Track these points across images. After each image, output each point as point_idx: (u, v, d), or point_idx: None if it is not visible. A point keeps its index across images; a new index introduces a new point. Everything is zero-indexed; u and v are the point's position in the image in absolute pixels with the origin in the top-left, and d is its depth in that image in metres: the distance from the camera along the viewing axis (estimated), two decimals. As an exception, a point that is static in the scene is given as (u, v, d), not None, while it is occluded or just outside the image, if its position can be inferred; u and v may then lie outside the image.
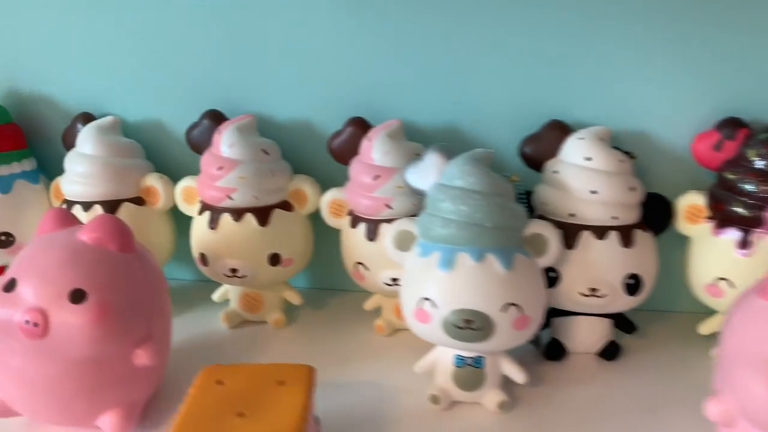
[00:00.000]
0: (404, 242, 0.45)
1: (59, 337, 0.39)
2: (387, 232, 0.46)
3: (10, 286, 0.40)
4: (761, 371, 0.32)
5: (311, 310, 0.57)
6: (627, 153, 0.46)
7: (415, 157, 0.47)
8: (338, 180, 0.52)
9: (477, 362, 0.43)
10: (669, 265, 0.49)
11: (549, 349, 0.49)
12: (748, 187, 0.43)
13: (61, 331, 0.39)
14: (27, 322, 0.39)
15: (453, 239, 0.41)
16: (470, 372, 0.43)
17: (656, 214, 0.47)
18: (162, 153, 0.56)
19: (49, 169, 0.58)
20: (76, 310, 0.39)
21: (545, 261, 0.44)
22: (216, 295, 0.55)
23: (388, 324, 0.53)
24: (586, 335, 0.49)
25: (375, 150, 0.48)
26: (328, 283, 0.60)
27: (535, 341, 0.49)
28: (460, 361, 0.43)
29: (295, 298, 0.55)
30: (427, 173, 0.45)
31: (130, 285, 0.42)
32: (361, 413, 0.44)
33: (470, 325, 0.40)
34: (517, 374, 0.44)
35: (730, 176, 0.44)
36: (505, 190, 0.43)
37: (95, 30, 0.54)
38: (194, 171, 0.54)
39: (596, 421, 0.42)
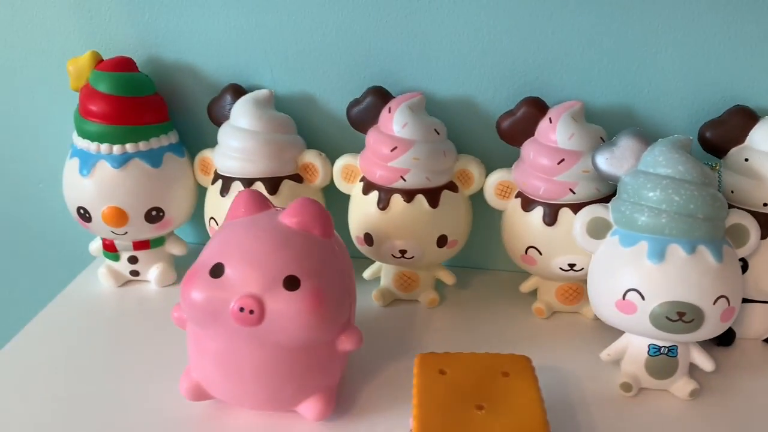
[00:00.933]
0: (597, 229, 0.44)
1: (273, 325, 0.38)
2: (576, 217, 0.45)
3: (218, 271, 0.39)
4: None
5: (459, 289, 0.57)
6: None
7: (602, 141, 0.46)
8: (502, 161, 0.51)
9: (671, 351, 0.43)
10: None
11: (721, 335, 0.49)
12: None
13: (276, 319, 0.38)
14: (242, 309, 0.38)
15: (663, 230, 0.41)
16: (664, 360, 0.43)
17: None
18: (311, 128, 0.55)
19: (189, 142, 0.56)
20: (291, 297, 0.38)
21: (744, 251, 0.44)
22: (367, 273, 0.55)
23: (548, 306, 0.53)
24: (758, 322, 0.49)
25: (559, 132, 0.47)
26: (473, 262, 0.59)
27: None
28: (656, 351, 0.43)
29: (448, 278, 0.54)
30: (623, 159, 0.44)
31: (334, 270, 0.41)
32: (548, 392, 0.43)
33: (682, 318, 0.40)
34: (706, 363, 0.44)
35: None
36: (712, 179, 0.42)
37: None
38: (346, 149, 0.53)
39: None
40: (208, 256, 0.40)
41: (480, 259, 0.59)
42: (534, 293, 0.54)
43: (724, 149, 0.48)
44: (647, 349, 0.43)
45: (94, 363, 0.48)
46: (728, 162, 0.47)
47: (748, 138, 0.47)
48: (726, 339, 0.49)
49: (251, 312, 0.38)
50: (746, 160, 0.46)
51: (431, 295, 0.54)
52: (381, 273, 0.54)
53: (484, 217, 0.54)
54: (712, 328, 0.41)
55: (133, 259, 0.56)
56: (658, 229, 0.41)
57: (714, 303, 0.40)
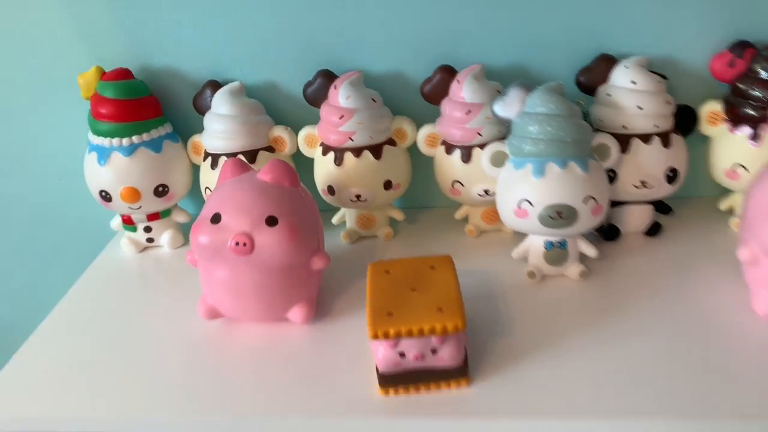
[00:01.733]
0: (498, 160, 0.58)
1: (262, 253, 0.52)
2: (482, 153, 0.59)
3: (216, 218, 0.53)
4: (778, 220, 0.47)
5: (409, 225, 0.71)
6: (662, 76, 0.60)
7: (498, 93, 0.60)
8: (428, 118, 0.65)
9: (562, 244, 0.58)
10: (694, 161, 0.63)
11: (607, 232, 0.64)
12: (756, 93, 0.57)
13: (263, 248, 0.52)
14: (237, 244, 0.52)
15: (542, 153, 0.55)
16: (557, 252, 0.58)
17: (685, 120, 0.61)
18: (277, 109, 0.68)
19: (181, 130, 0.70)
20: (272, 232, 0.52)
21: (608, 164, 0.58)
22: (335, 219, 0.69)
23: (477, 227, 0.67)
24: (635, 219, 0.63)
25: (465, 90, 0.61)
26: (419, 203, 0.73)
27: (599, 228, 0.64)
28: (550, 245, 0.58)
29: (399, 215, 0.68)
30: (512, 105, 0.58)
31: (303, 210, 0.55)
32: (475, 292, 0.58)
33: (561, 215, 0.55)
34: (590, 250, 0.59)
35: (741, 86, 0.58)
36: (577, 112, 0.56)
37: (212, 6, 0.65)
38: (305, 121, 0.67)
39: (647, 282, 0.57)
40: (207, 210, 0.54)
41: (423, 200, 0.73)
42: (465, 219, 0.68)
43: (594, 89, 0.62)
44: (543, 245, 0.58)
45: (129, 309, 0.62)
46: (598, 98, 0.61)
47: (610, 78, 0.61)
48: (612, 235, 0.64)
49: (245, 245, 0.52)
50: (608, 95, 0.60)
51: (387, 230, 0.68)
52: (345, 217, 0.69)
53: (423, 165, 0.68)
54: (586, 221, 0.55)
55: (147, 229, 0.70)
56: (538, 153, 0.55)
57: (584, 202, 0.55)
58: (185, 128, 0.70)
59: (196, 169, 0.70)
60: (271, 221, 0.52)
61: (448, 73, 0.63)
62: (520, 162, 0.56)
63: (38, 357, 0.56)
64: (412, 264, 0.53)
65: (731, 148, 0.60)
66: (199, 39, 0.66)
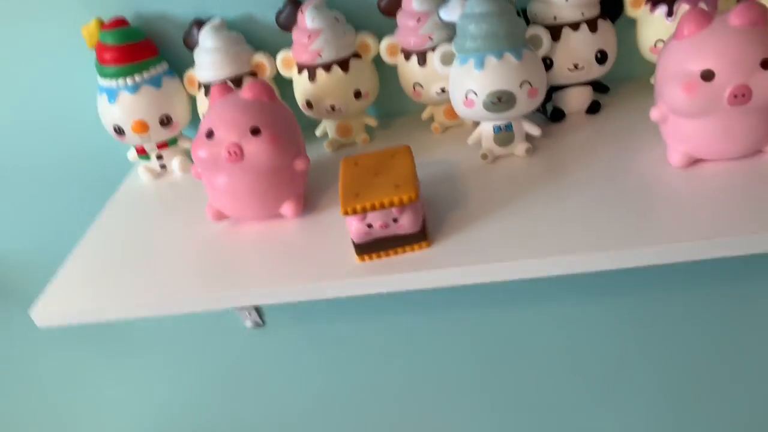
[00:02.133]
0: (447, 59, 0.67)
1: (251, 159, 0.63)
2: (434, 55, 0.68)
3: (210, 134, 0.63)
4: (675, 81, 0.56)
5: (383, 130, 0.81)
6: (586, -33, 0.67)
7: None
8: (387, 30, 0.73)
9: (508, 127, 0.67)
10: (627, 43, 0.71)
11: (553, 114, 0.72)
12: (668, -27, 0.64)
13: (252, 155, 0.62)
14: (229, 153, 0.62)
15: (480, 48, 0.63)
16: (505, 134, 0.67)
17: (611, 6, 0.69)
18: (255, 37, 0.77)
19: (176, 66, 0.79)
20: (257, 140, 0.62)
21: (542, 52, 0.66)
22: (318, 131, 0.79)
23: (441, 124, 0.76)
24: (576, 99, 0.72)
25: (414, 0, 0.69)
26: (391, 111, 0.83)
27: (544, 111, 0.72)
28: (498, 129, 0.67)
29: (372, 122, 0.78)
30: (454, 9, 0.66)
31: (282, 120, 0.65)
32: (438, 177, 0.68)
33: (501, 100, 0.63)
34: (534, 129, 0.68)
35: (656, -31, 0.65)
36: (509, 9, 0.64)
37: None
38: (281, 46, 0.75)
39: (585, 154, 0.67)
40: (202, 128, 0.64)
41: (394, 108, 0.82)
42: (431, 118, 0.77)
43: (529, -13, 0.70)
44: (492, 129, 0.67)
45: (153, 222, 0.73)
46: (533, -5, 0.69)
47: (541, -25, 0.69)
48: (557, 116, 0.72)
49: (236, 153, 0.62)
50: (540, -9, 0.68)
51: (363, 136, 0.78)
52: (327, 129, 0.78)
53: (390, 77, 0.77)
54: (524, 104, 0.64)
55: (159, 157, 0.81)
56: (477, 48, 0.63)
57: (520, 86, 0.63)
58: (180, 64, 0.79)
59: (194, 99, 0.80)
60: (256, 131, 0.63)
61: (399, -13, 0.71)
62: (464, 58, 0.65)
63: (87, 262, 0.69)
64: (377, 155, 0.63)
65: (653, 27, 0.68)
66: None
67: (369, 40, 0.74)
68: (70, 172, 0.91)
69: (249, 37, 0.77)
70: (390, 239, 0.59)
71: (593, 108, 0.72)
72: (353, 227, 0.58)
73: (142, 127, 0.76)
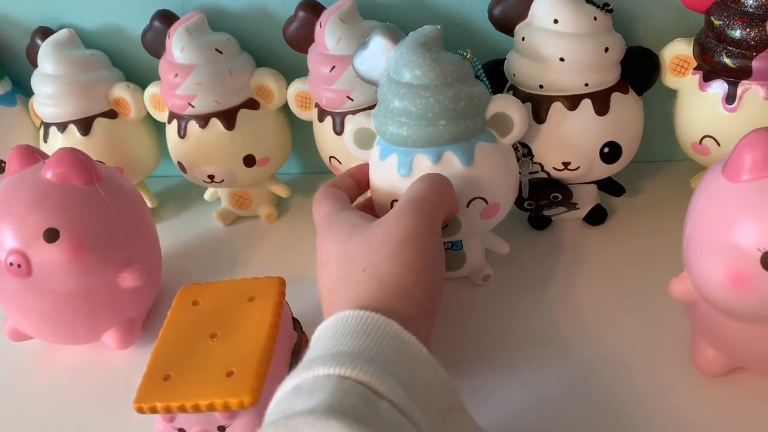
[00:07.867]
0: (363, 140, 0.43)
1: (43, 275, 0.41)
2: (345, 129, 0.44)
3: (-10, 231, 0.42)
4: (717, 260, 0.31)
5: (304, 198, 0.57)
6: (604, 6, 0.41)
7: (362, 41, 0.44)
8: (301, 69, 0.49)
9: (455, 245, 0.43)
10: (664, 116, 0.46)
11: (533, 220, 0.48)
12: (735, 33, 0.38)
13: (43, 269, 0.41)
14: (11, 264, 0.41)
15: (407, 141, 0.39)
16: (451, 255, 0.43)
17: (640, 69, 0.43)
18: (128, 59, 0.54)
19: (26, 87, 0.57)
20: (52, 249, 0.41)
21: (510, 140, 0.41)
22: (207, 195, 0.56)
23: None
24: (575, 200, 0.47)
25: (327, 37, 0.44)
26: (318, 167, 0.59)
27: (522, 207, 0.48)
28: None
29: (282, 192, 0.55)
30: (375, 60, 0.41)
31: (101, 215, 0.43)
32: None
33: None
34: (500, 246, 0.44)
35: (717, 22, 0.39)
36: (460, 74, 0.39)
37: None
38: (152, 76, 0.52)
39: (577, 283, 0.43)
40: (-15, 216, 0.43)
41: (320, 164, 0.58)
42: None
43: (512, 27, 0.44)
44: (427, 250, 0.43)
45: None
46: (515, 41, 0.44)
47: (530, 13, 0.43)
48: (539, 223, 0.48)
49: (19, 266, 0.41)
50: (523, 39, 0.42)
51: (267, 210, 0.55)
52: (219, 193, 0.55)
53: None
54: (476, 227, 0.40)
55: None
56: (403, 141, 0.39)
57: (467, 206, 0.39)
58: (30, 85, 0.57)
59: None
60: (51, 235, 0.41)
61: (313, 11, 0.46)
62: (386, 149, 0.40)
63: None
64: (230, 290, 0.40)
65: (701, 112, 0.42)
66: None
67: (271, 82, 0.50)
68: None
69: (116, 59, 0.54)
70: (217, 450, 0.37)
71: (595, 216, 0.47)
72: (159, 428, 0.37)
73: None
